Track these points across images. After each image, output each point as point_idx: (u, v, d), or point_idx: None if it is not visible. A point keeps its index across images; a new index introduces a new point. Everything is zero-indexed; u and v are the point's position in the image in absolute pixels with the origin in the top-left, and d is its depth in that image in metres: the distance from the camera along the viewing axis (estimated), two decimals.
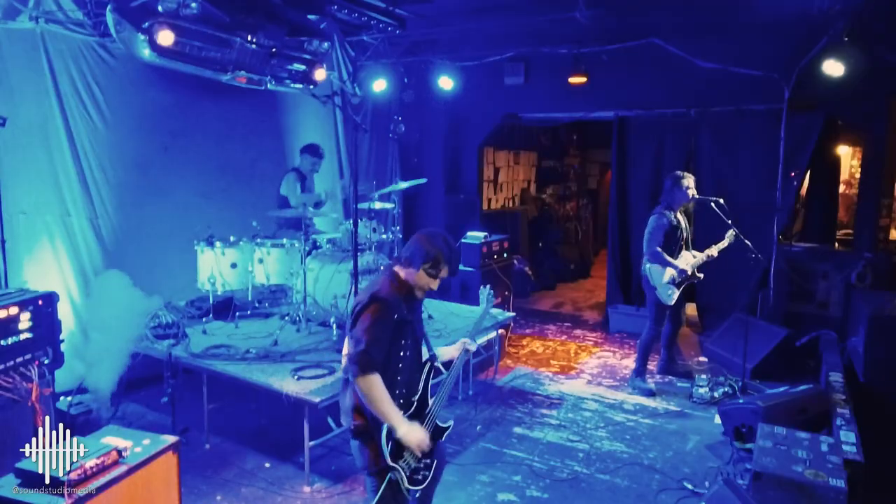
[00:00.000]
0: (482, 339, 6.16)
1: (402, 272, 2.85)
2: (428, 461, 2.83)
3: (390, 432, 2.65)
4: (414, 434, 2.69)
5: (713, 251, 5.74)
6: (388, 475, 2.69)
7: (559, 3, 6.14)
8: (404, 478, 2.70)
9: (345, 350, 2.85)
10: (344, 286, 5.35)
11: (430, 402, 2.87)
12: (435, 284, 2.87)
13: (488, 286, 3.32)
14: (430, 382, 2.92)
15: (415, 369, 2.84)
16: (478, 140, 9.13)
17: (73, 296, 5.27)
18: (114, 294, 5.02)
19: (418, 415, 2.81)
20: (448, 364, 3.07)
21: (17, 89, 4.86)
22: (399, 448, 2.68)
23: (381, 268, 2.93)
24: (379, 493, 2.70)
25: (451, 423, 2.95)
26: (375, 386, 2.62)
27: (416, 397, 2.84)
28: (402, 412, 2.71)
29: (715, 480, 4.09)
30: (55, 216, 5.17)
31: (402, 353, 2.76)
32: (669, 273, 5.61)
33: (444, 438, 2.94)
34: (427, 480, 2.84)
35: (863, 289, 6.27)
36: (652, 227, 5.69)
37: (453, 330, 5.57)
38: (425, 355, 2.98)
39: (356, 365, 2.62)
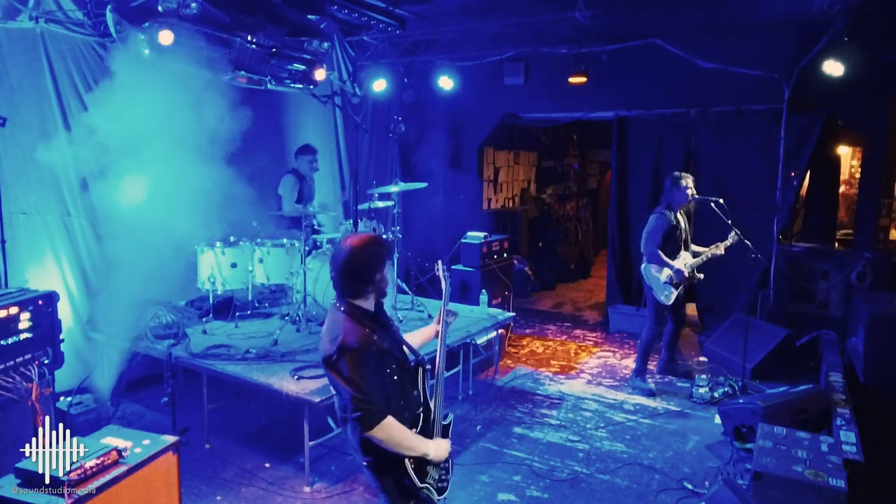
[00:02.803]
0: (482, 340, 6.17)
1: (359, 301, 2.64)
2: (447, 465, 2.76)
3: (418, 459, 2.59)
4: (442, 448, 2.65)
5: (719, 249, 5.69)
6: (420, 495, 2.63)
7: (559, 3, 6.14)
8: (434, 492, 2.66)
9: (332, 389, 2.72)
10: None
11: (431, 405, 2.79)
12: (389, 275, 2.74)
13: (441, 262, 3.17)
14: (427, 385, 2.87)
15: (409, 387, 2.72)
16: (478, 140, 9.13)
17: (74, 295, 5.27)
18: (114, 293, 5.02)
19: (426, 423, 2.74)
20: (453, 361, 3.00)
21: (17, 89, 4.86)
22: (423, 467, 2.62)
23: (335, 304, 2.67)
24: None
25: (451, 417, 2.87)
26: (391, 429, 2.51)
27: (421, 409, 2.75)
28: (414, 430, 2.65)
29: (715, 480, 4.10)
30: (55, 216, 5.17)
31: (391, 380, 2.61)
32: (666, 273, 5.61)
33: (450, 436, 2.85)
34: (448, 483, 2.77)
35: (863, 289, 6.27)
36: (651, 228, 5.69)
37: (454, 329, 5.55)
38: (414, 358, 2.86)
39: (363, 423, 2.48)
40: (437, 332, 2.99)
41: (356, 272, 2.61)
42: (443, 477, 2.74)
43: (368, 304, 2.68)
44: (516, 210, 11.26)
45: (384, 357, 2.60)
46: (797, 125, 6.72)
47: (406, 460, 2.56)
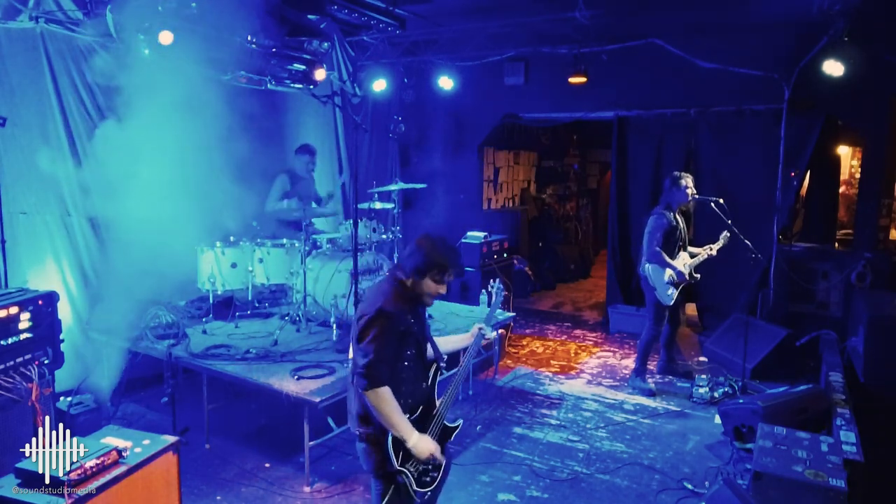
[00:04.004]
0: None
1: (407, 281, 2.81)
2: (437, 464, 2.80)
3: (398, 440, 2.65)
4: (423, 445, 2.68)
5: (712, 251, 5.73)
6: (397, 479, 2.69)
7: (559, 3, 6.14)
8: (412, 481, 2.70)
9: (350, 354, 2.83)
10: (344, 286, 5.36)
11: (438, 403, 2.86)
12: (443, 289, 2.83)
13: (498, 280, 3.30)
14: (437, 383, 2.92)
15: (419, 376, 2.82)
16: (478, 140, 9.13)
17: (74, 295, 5.27)
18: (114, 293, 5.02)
19: (425, 418, 2.80)
20: (456, 359, 3.05)
21: (17, 89, 4.86)
22: (407, 453, 2.68)
23: (386, 272, 2.89)
24: (387, 497, 2.71)
25: (459, 422, 2.94)
26: (385, 399, 2.62)
27: (423, 402, 2.82)
28: (407, 416, 2.71)
29: (715, 480, 4.09)
30: (55, 216, 5.16)
31: (405, 363, 2.74)
32: (668, 274, 5.61)
33: (452, 439, 2.92)
34: (436, 482, 2.83)
35: (863, 289, 6.27)
36: (651, 228, 5.68)
37: (454, 330, 5.57)
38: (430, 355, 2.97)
39: (365, 379, 2.61)
40: (467, 344, 3.08)
41: (408, 259, 2.79)
42: (427, 471, 2.77)
43: (417, 288, 2.80)
44: (516, 210, 11.26)
45: (409, 339, 2.75)
46: (797, 125, 6.71)
47: (388, 436, 2.64)
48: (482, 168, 10.01)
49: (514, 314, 6.69)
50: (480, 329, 3.04)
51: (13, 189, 4.80)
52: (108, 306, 5.05)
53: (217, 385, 4.84)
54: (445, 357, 3.00)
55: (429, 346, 2.92)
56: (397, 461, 2.66)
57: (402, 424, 2.65)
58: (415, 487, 2.71)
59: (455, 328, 5.64)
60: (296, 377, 4.40)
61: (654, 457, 4.67)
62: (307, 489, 4.16)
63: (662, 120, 7.62)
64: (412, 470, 2.70)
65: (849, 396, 4.51)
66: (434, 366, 2.90)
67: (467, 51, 7.59)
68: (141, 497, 2.91)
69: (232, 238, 5.75)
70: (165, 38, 4.80)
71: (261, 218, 6.26)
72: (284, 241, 5.84)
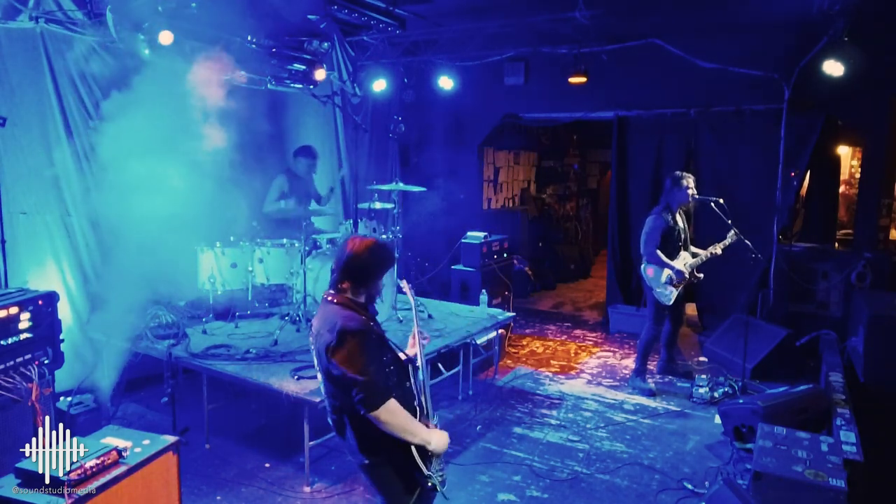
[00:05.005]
0: (482, 340, 6.17)
1: (355, 296, 2.68)
2: (441, 457, 2.80)
3: (419, 447, 2.59)
4: (442, 441, 2.66)
5: (717, 249, 5.72)
6: (424, 484, 2.64)
7: (559, 3, 6.14)
8: (437, 481, 2.67)
9: (320, 380, 2.73)
10: None
11: (423, 400, 2.83)
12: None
13: (404, 280, 3.17)
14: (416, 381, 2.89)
15: (402, 377, 2.76)
16: (478, 140, 9.13)
17: (74, 295, 5.27)
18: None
19: (422, 416, 2.76)
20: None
21: (17, 89, 4.86)
22: (427, 456, 2.64)
23: (327, 297, 2.70)
24: None
25: (436, 419, 2.88)
26: (395, 411, 2.52)
27: (413, 400, 2.77)
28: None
29: (715, 480, 4.09)
30: (55, 216, 5.16)
31: (387, 370, 2.64)
32: (666, 274, 5.62)
33: None
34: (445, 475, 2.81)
35: (863, 289, 6.27)
36: (649, 228, 5.69)
37: (453, 329, 5.57)
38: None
39: (367, 404, 2.48)
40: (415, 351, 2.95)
41: (357, 273, 2.66)
42: (442, 468, 2.75)
43: (359, 299, 2.72)
44: (516, 210, 11.26)
45: (383, 343, 2.66)
46: (797, 125, 6.71)
47: (412, 449, 2.57)
48: (482, 168, 10.01)
49: (514, 314, 6.69)
50: (415, 336, 2.92)
51: (13, 189, 4.80)
52: (108, 306, 5.05)
53: (217, 385, 4.84)
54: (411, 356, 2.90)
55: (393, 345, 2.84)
56: (426, 468, 2.61)
57: (419, 429, 2.59)
58: (441, 488, 2.69)
59: (455, 327, 5.63)
60: (296, 377, 4.39)
61: (654, 457, 4.67)
62: (307, 489, 4.16)
63: (662, 120, 7.62)
64: (435, 471, 2.66)
65: (849, 396, 4.51)
66: (409, 365, 2.81)
67: (467, 51, 7.59)
68: (141, 497, 2.91)
69: (232, 238, 5.75)
70: (165, 38, 4.80)
71: (260, 218, 6.27)
72: (284, 241, 5.84)
